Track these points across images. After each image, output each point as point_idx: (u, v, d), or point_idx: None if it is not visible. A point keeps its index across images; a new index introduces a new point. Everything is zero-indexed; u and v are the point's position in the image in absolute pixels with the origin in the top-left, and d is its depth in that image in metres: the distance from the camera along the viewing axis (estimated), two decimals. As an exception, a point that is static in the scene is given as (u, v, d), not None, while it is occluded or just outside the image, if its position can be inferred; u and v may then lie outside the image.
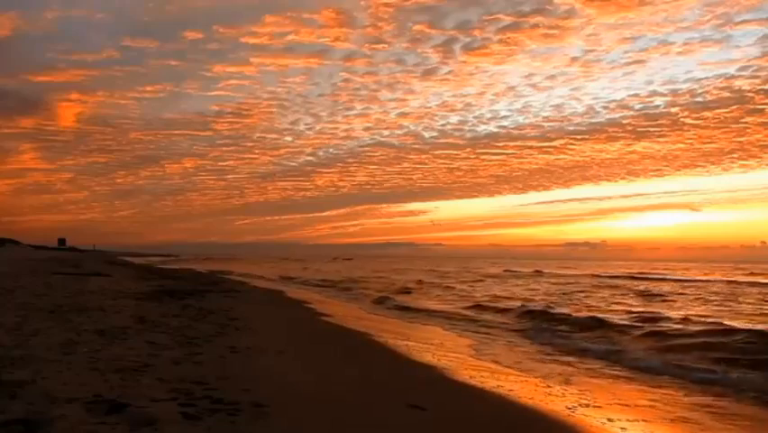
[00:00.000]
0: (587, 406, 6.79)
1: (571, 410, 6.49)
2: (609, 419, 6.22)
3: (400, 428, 5.29)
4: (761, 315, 17.89)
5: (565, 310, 18.08)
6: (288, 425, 4.86)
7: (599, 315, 16.59)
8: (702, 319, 15.54)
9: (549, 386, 7.82)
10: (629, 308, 19.15)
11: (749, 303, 22.14)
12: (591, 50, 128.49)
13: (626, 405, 7.06)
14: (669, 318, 15.80)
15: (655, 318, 15.81)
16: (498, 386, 7.46)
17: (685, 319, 15.48)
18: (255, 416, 4.94)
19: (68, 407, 4.76)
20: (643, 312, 17.51)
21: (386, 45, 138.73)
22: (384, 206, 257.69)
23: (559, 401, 6.91)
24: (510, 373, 8.66)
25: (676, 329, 13.57)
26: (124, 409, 4.77)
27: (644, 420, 6.35)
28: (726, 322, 14.76)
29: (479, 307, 19.96)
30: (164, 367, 6.58)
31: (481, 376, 8.08)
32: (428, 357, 9.46)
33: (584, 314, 17.06)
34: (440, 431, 5.40)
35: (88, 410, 4.71)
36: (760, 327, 13.92)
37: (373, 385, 7.23)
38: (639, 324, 14.70)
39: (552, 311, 17.65)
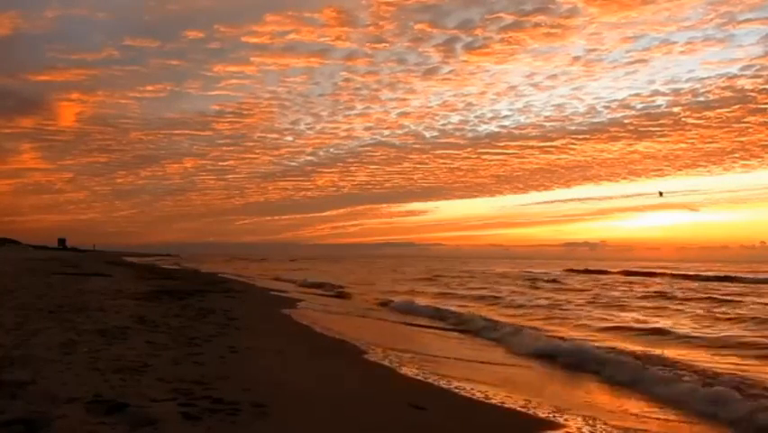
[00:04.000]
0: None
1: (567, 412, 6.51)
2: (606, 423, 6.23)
3: (401, 428, 5.30)
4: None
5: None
6: (288, 425, 4.87)
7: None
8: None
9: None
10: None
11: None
12: (593, 50, 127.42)
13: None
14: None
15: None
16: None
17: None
18: (255, 416, 4.95)
19: (68, 407, 4.76)
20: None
21: (387, 44, 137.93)
22: (384, 206, 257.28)
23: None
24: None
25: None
26: (124, 409, 4.78)
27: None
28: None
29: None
30: (164, 367, 6.58)
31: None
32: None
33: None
34: (440, 430, 5.41)
35: (88, 410, 4.71)
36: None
37: (373, 384, 7.24)
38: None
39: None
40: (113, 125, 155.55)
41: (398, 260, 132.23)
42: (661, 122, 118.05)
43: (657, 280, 39.92)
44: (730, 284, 33.97)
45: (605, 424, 6.04)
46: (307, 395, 6.10)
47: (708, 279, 39.08)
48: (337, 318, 15.32)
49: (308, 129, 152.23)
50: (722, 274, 42.91)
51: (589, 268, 58.28)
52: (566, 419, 6.09)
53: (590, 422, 6.05)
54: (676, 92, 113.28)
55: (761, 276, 40.68)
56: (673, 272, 47.41)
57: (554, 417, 6.19)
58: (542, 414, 6.28)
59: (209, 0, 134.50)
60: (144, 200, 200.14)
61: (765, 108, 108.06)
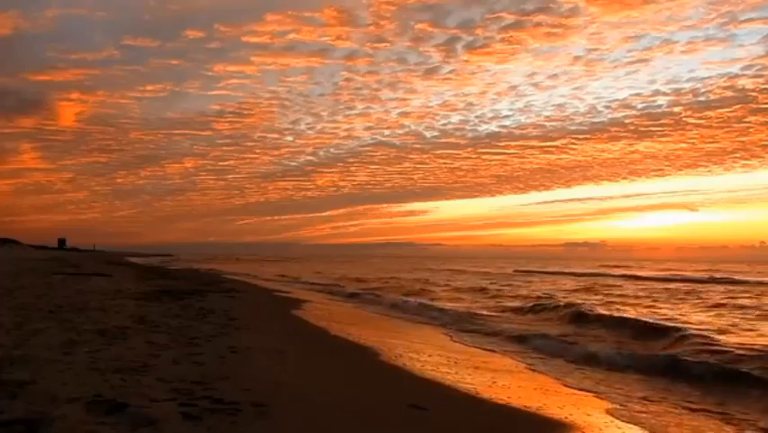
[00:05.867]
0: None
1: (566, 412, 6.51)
2: (607, 420, 6.23)
3: (401, 427, 5.30)
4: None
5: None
6: (288, 425, 4.86)
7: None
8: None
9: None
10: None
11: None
12: (594, 49, 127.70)
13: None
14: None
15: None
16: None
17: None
18: (255, 416, 4.95)
19: (68, 407, 4.76)
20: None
21: (387, 44, 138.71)
22: (384, 206, 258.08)
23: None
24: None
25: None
26: (124, 409, 4.77)
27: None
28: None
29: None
30: (164, 367, 6.58)
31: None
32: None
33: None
34: (440, 430, 5.41)
35: (88, 410, 4.71)
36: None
37: (374, 383, 7.24)
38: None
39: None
40: (113, 125, 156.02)
41: (387, 259, 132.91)
42: (661, 122, 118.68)
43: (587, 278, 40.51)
44: (670, 284, 33.18)
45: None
46: (307, 395, 6.10)
47: (656, 279, 38.80)
48: (337, 316, 15.32)
49: (308, 129, 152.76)
50: (678, 276, 42.87)
51: (536, 269, 61.26)
52: (567, 417, 6.09)
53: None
54: (677, 92, 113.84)
55: (716, 276, 40.85)
56: (635, 274, 47.28)
57: (560, 417, 6.19)
58: (545, 414, 6.28)
59: (209, 0, 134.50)
60: (144, 200, 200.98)
61: (766, 108, 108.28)
